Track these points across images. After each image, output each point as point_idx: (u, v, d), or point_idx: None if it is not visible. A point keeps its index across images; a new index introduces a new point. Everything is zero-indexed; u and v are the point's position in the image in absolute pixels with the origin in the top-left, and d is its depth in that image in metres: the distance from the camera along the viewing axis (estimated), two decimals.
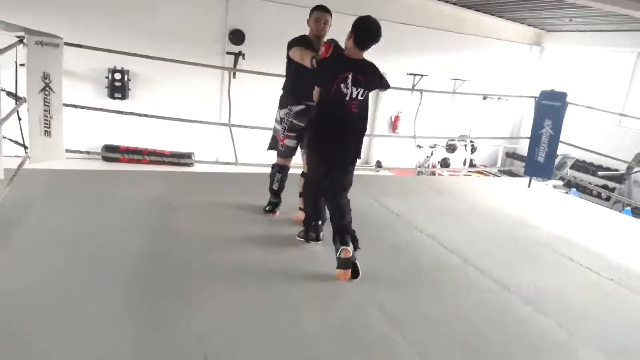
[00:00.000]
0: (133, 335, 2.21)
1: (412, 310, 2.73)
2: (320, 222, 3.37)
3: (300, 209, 3.81)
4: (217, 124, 5.32)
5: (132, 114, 4.98)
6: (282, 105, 3.73)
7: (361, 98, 3.02)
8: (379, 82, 3.19)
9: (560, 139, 5.58)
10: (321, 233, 3.37)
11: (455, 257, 3.52)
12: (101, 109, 4.91)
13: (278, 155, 3.87)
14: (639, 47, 10.39)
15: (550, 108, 5.41)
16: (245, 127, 5.06)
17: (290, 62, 3.53)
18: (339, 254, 2.93)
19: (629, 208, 7.74)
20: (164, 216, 3.68)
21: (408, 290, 2.96)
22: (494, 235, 4.19)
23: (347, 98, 2.95)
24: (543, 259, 3.76)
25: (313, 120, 3.23)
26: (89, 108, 4.65)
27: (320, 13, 3.54)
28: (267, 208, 3.96)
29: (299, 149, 3.85)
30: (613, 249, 4.11)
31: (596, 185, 9.68)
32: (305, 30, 3.62)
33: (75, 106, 4.22)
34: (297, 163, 3.88)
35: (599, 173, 9.71)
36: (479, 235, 4.13)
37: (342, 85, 2.92)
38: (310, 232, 3.37)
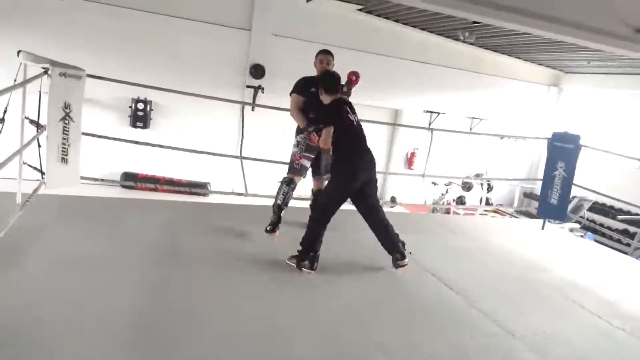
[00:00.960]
0: None
1: (412, 351, 2.68)
2: (318, 253, 3.54)
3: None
4: (228, 156, 5.41)
5: (147, 144, 5.13)
6: (299, 132, 4.24)
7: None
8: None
9: (575, 182, 5.51)
10: (316, 263, 3.50)
11: (460, 298, 3.46)
12: (119, 139, 5.06)
13: (291, 171, 4.24)
14: None
15: (563, 150, 5.37)
16: (255, 159, 5.16)
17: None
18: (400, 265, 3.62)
19: None
20: (170, 246, 3.72)
21: (409, 330, 2.92)
22: (504, 277, 4.11)
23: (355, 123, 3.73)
24: (552, 304, 3.66)
25: (337, 151, 3.66)
26: (106, 137, 4.81)
27: (324, 56, 4.22)
28: (268, 228, 4.16)
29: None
30: (627, 298, 3.97)
31: (616, 230, 9.45)
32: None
33: (93, 135, 4.37)
34: (301, 195, 3.95)
35: (619, 217, 9.48)
36: (487, 276, 4.05)
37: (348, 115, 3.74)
38: (308, 260, 3.48)
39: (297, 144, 4.22)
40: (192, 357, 2.33)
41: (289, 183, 4.20)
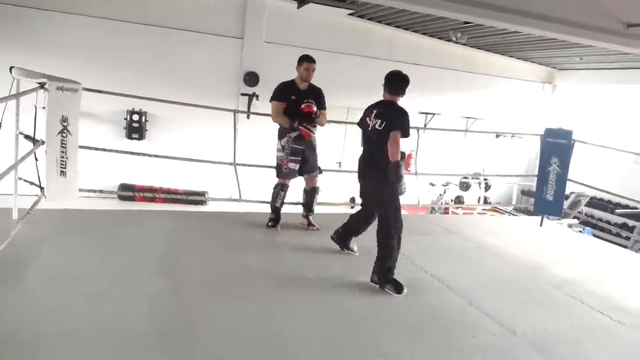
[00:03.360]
0: None
1: (415, 352, 2.68)
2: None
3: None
4: (222, 163, 5.45)
5: (142, 154, 5.15)
6: (281, 136, 4.44)
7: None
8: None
9: (572, 178, 5.54)
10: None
11: (460, 298, 3.47)
12: (115, 151, 5.08)
13: (281, 177, 4.48)
14: None
15: (557, 146, 5.40)
16: (249, 165, 5.24)
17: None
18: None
19: None
20: (169, 258, 3.73)
21: (410, 332, 2.92)
22: (503, 275, 4.13)
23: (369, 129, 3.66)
24: (552, 301, 3.67)
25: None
26: (102, 150, 4.82)
27: (309, 63, 4.38)
28: (269, 224, 4.54)
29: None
30: (626, 292, 4.00)
31: (615, 224, 9.47)
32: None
33: (89, 148, 4.39)
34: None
35: (617, 211, 9.51)
36: (487, 275, 4.07)
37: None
38: (397, 283, 3.46)
39: (282, 149, 4.39)
40: None
41: (282, 187, 4.50)
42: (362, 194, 3.80)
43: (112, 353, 2.38)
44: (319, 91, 4.56)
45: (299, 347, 2.64)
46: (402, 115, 3.55)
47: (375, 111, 3.61)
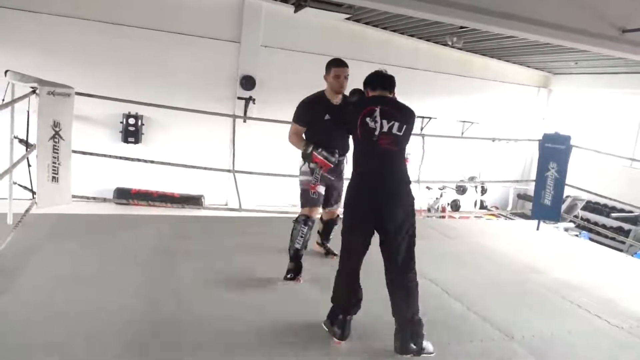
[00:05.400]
0: None
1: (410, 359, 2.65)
2: (348, 317, 2.73)
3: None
4: (221, 170, 5.40)
5: (138, 160, 5.12)
6: (307, 157, 3.39)
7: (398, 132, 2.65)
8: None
9: (568, 182, 5.54)
10: (347, 331, 2.71)
11: (457, 303, 3.45)
12: (109, 156, 5.05)
13: (307, 204, 3.47)
14: None
15: (555, 151, 5.41)
16: (249, 173, 5.14)
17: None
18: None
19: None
20: (163, 262, 3.69)
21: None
22: (500, 280, 4.11)
23: (377, 132, 2.63)
24: (550, 305, 3.65)
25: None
26: (97, 155, 4.79)
27: (341, 69, 3.38)
28: (288, 276, 3.43)
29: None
30: (624, 296, 3.98)
31: (611, 228, 9.49)
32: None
33: (84, 153, 4.35)
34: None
35: (612, 215, 9.54)
36: (484, 280, 4.05)
37: (367, 119, 2.65)
38: (336, 327, 2.71)
39: (312, 172, 3.38)
40: None
41: (306, 222, 3.43)
42: (386, 225, 2.63)
43: (106, 358, 2.35)
44: None
45: (296, 344, 2.60)
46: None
47: (380, 109, 2.65)
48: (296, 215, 3.54)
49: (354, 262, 2.71)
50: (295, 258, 3.47)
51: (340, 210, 3.37)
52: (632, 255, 6.25)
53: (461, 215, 10.08)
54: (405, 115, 2.70)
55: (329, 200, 3.67)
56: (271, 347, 2.63)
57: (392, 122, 2.63)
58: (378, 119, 2.62)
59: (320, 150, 3.26)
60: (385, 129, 2.62)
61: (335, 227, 3.82)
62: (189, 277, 3.43)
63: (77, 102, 3.98)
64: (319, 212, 3.61)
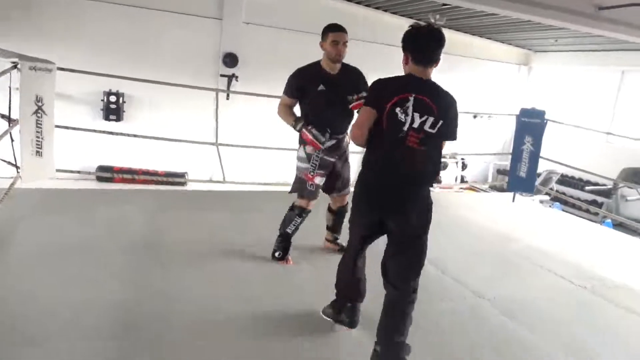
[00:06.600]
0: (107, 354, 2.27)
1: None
2: (355, 304, 2.59)
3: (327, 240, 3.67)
4: (205, 143, 5.45)
5: (120, 134, 5.14)
6: (304, 141, 3.12)
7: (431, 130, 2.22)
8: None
9: (542, 155, 5.74)
10: (356, 317, 2.59)
11: (433, 267, 3.62)
12: (92, 130, 5.08)
13: (304, 196, 3.24)
14: (623, 66, 10.63)
15: (530, 125, 5.59)
16: (233, 145, 5.22)
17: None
18: None
19: (609, 220, 7.85)
20: (147, 235, 3.77)
21: (380, 296, 2.98)
22: (475, 247, 4.30)
23: (405, 127, 2.20)
24: (521, 270, 3.86)
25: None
26: (78, 129, 4.82)
27: (338, 34, 3.06)
28: (277, 254, 3.36)
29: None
30: (589, 259, 4.22)
31: (585, 200, 9.80)
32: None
33: (66, 127, 4.38)
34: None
35: (587, 188, 9.84)
36: (460, 248, 4.24)
37: (398, 109, 2.20)
38: (344, 315, 2.58)
39: (308, 158, 3.11)
40: (169, 344, 2.37)
41: (301, 214, 3.27)
42: (400, 227, 2.34)
43: (90, 329, 2.40)
44: (358, 74, 3.22)
45: (277, 320, 2.74)
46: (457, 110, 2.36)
47: (415, 98, 2.20)
48: (288, 190, 3.37)
49: (353, 253, 2.53)
50: (285, 239, 3.37)
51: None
52: (601, 224, 6.52)
53: (442, 190, 10.28)
54: (443, 108, 2.25)
55: (334, 187, 3.36)
56: (255, 325, 2.64)
57: (426, 116, 2.20)
58: (410, 111, 2.18)
59: (310, 127, 2.99)
60: (416, 124, 2.19)
61: (346, 215, 3.22)
62: (173, 250, 3.50)
63: (57, 80, 4.00)
64: (314, 204, 3.32)
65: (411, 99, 2.19)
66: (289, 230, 3.32)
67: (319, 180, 3.19)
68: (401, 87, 2.24)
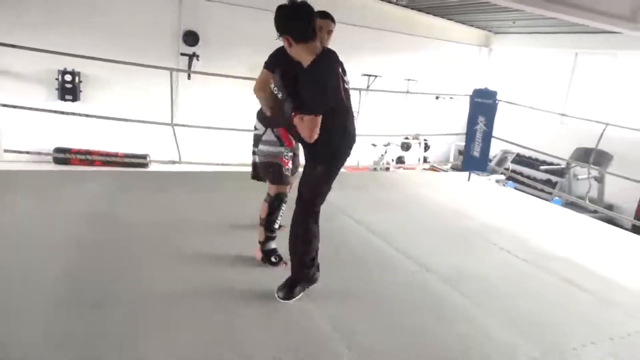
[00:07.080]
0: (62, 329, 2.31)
1: (334, 291, 2.91)
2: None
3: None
4: (160, 123, 5.38)
5: (73, 114, 5.02)
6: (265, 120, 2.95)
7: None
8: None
9: (495, 135, 5.95)
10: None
11: (386, 244, 3.75)
12: (44, 110, 4.92)
13: (281, 181, 3.01)
14: (577, 48, 11.01)
15: (483, 105, 5.76)
16: (188, 126, 5.20)
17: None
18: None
19: (557, 198, 8.25)
20: (107, 214, 3.75)
21: (334, 272, 3.05)
22: (429, 224, 4.46)
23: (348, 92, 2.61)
24: (470, 245, 4.04)
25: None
26: (29, 108, 4.67)
27: (325, 21, 3.00)
28: (273, 259, 3.09)
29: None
30: (534, 234, 4.45)
31: (540, 180, 10.22)
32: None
33: (15, 107, 4.24)
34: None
35: (541, 167, 10.24)
36: (415, 225, 4.39)
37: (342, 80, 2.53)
38: (314, 271, 2.76)
39: (279, 142, 2.95)
40: (125, 319, 2.42)
41: (282, 202, 3.04)
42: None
43: (31, 316, 2.39)
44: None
45: (233, 307, 2.81)
46: None
47: (338, 66, 2.53)
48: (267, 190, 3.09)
49: (316, 217, 2.68)
50: (273, 238, 3.12)
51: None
52: (551, 202, 6.84)
53: (404, 169, 10.50)
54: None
55: (295, 169, 3.20)
56: (222, 298, 2.71)
57: (346, 76, 2.57)
58: (343, 76, 2.53)
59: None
60: (348, 85, 2.57)
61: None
62: (133, 230, 3.51)
63: (7, 58, 3.86)
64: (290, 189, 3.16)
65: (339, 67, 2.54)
66: (275, 226, 3.07)
67: (290, 164, 3.05)
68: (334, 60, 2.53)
